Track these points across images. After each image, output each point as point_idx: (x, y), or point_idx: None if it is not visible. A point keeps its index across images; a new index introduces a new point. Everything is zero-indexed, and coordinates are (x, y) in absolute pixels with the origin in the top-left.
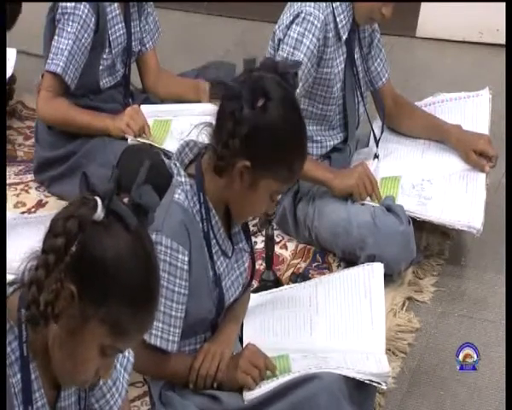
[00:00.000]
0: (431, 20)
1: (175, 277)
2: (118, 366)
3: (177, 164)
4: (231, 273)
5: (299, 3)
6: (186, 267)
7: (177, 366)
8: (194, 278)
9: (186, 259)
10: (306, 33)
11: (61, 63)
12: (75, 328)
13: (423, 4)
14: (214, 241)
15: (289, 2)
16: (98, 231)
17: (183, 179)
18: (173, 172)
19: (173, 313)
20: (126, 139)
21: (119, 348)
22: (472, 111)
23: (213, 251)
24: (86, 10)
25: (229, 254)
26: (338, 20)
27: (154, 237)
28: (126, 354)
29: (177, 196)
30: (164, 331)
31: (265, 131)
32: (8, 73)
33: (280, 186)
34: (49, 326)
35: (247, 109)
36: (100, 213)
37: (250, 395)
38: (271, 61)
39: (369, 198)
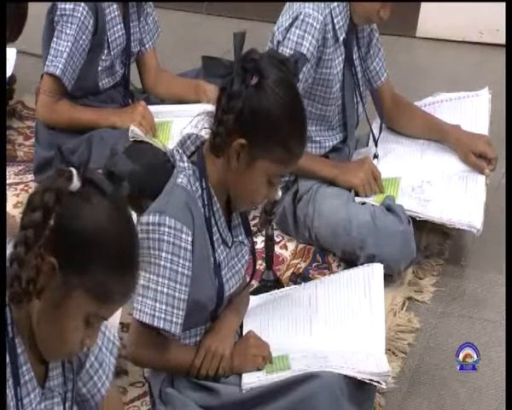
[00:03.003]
0: (431, 20)
1: (178, 257)
2: (104, 349)
3: (180, 151)
4: (231, 264)
5: (298, 4)
6: (190, 247)
7: (179, 356)
8: (196, 261)
9: (190, 239)
10: (306, 35)
11: (60, 65)
12: (59, 300)
13: (423, 4)
14: (215, 228)
15: (288, 3)
16: (75, 201)
17: (185, 165)
18: (175, 159)
19: (177, 294)
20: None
21: (104, 316)
22: (471, 111)
23: (214, 238)
24: (85, 12)
25: (229, 244)
26: (335, 21)
27: (157, 218)
28: (112, 337)
29: (179, 180)
30: (167, 313)
31: (260, 109)
32: (8, 72)
33: (278, 168)
34: (32, 302)
35: (238, 84)
36: (76, 183)
37: (248, 385)
38: (271, 50)
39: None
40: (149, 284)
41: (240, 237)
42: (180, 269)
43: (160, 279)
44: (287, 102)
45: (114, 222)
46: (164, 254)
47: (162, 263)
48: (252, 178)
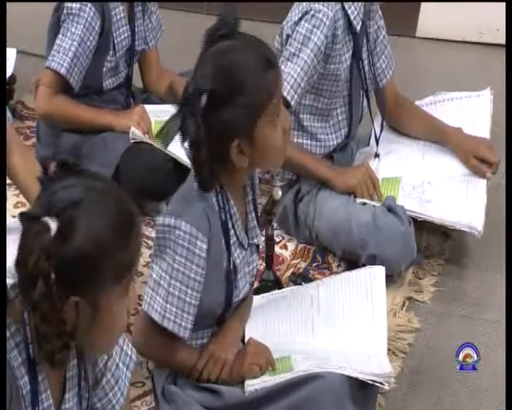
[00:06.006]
0: (431, 20)
1: (192, 263)
2: (120, 365)
3: None
4: (245, 267)
5: (307, 2)
6: (204, 255)
7: (185, 357)
8: (209, 269)
9: (204, 247)
10: (315, 30)
11: (65, 64)
12: (96, 310)
13: (423, 4)
14: (232, 231)
15: (296, 2)
16: (62, 239)
17: None
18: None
19: (187, 298)
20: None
21: (133, 275)
22: (473, 112)
23: (231, 242)
24: (92, 13)
25: (246, 246)
26: (349, 12)
27: (172, 221)
28: (129, 351)
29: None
30: (177, 316)
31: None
32: (8, 72)
33: (274, 108)
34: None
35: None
36: (54, 227)
37: (251, 387)
38: None
39: (370, 198)
40: (161, 281)
41: (255, 240)
42: (193, 275)
43: (173, 281)
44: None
45: (105, 224)
46: (178, 258)
47: (176, 266)
48: (269, 142)
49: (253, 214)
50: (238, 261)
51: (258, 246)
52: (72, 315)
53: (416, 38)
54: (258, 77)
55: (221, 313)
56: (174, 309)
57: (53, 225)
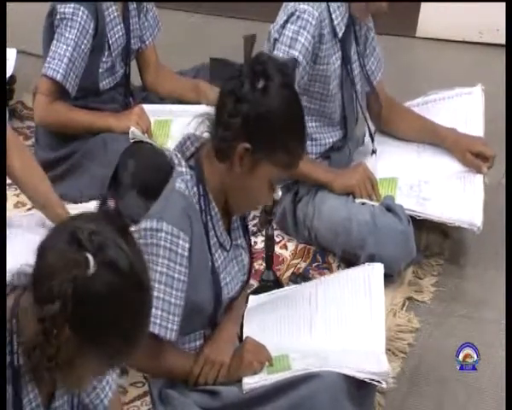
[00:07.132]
0: (431, 20)
1: (175, 263)
2: None
3: (178, 155)
4: (229, 268)
5: (293, 2)
6: (186, 254)
7: (177, 364)
8: (195, 266)
9: (187, 245)
10: (301, 31)
11: (60, 70)
12: (72, 360)
13: (423, 4)
14: (212, 232)
15: (284, 3)
16: (91, 284)
17: (183, 170)
18: (174, 163)
19: (173, 300)
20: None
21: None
22: (465, 111)
23: (211, 243)
24: (85, 16)
25: (228, 248)
26: (333, 16)
27: (154, 223)
28: None
29: (178, 184)
30: (163, 319)
31: (266, 113)
32: (8, 72)
33: (279, 172)
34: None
35: (247, 87)
36: (92, 269)
37: (249, 385)
38: (266, 55)
39: (369, 197)
40: None
41: (239, 241)
42: (176, 275)
43: (157, 285)
44: (291, 108)
45: (126, 299)
46: (160, 260)
47: (159, 269)
48: (254, 183)
49: (237, 216)
50: (220, 262)
51: (249, 245)
52: (59, 342)
53: (415, 38)
54: (302, 137)
55: (212, 311)
56: (159, 313)
57: (93, 266)
